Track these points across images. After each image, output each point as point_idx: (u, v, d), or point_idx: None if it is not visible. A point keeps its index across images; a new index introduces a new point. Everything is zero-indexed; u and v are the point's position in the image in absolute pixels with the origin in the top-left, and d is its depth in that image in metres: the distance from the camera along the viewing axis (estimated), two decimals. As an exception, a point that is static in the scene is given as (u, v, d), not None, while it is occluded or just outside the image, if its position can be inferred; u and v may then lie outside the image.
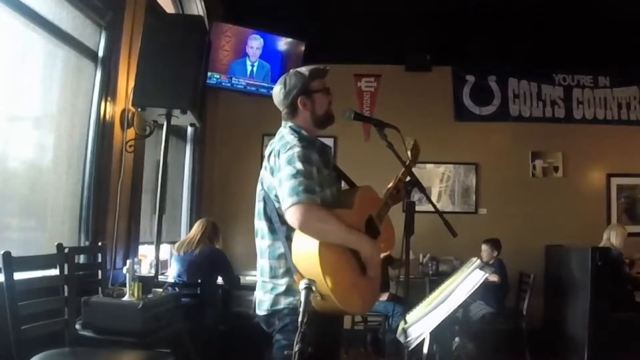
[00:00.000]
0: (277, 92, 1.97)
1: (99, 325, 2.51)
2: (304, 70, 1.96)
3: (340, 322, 1.95)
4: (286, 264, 1.80)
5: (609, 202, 5.75)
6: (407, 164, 2.10)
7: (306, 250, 1.72)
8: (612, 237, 4.78)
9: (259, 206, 1.90)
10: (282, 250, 1.81)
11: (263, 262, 1.88)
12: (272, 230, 1.84)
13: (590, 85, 5.84)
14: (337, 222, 1.76)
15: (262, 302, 1.87)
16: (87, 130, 3.43)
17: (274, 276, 1.83)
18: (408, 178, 2.07)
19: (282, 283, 1.81)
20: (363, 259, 1.81)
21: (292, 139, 1.85)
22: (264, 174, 1.88)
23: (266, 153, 1.91)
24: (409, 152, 2.16)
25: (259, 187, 1.91)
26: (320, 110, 1.95)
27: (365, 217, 1.90)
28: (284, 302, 1.81)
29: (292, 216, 1.69)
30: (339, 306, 1.68)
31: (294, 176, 1.72)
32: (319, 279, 1.65)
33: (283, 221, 1.78)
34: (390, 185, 2.08)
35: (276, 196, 1.79)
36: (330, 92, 2.00)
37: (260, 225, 1.89)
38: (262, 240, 1.88)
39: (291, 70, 2.00)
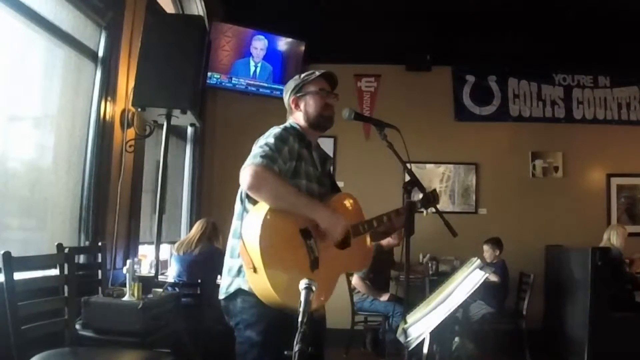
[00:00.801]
0: (283, 92, 2.08)
1: (99, 325, 2.51)
2: (305, 74, 2.04)
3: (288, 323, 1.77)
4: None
5: (609, 202, 5.74)
6: (411, 177, 2.04)
7: (254, 218, 1.69)
8: (613, 237, 4.78)
9: (237, 208, 1.91)
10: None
11: (228, 243, 1.88)
12: (241, 210, 1.84)
13: (590, 85, 5.84)
14: (289, 185, 1.74)
15: (221, 287, 1.85)
16: (87, 130, 3.43)
17: (232, 256, 1.83)
18: (407, 178, 2.06)
19: (236, 263, 1.79)
20: (322, 229, 1.77)
21: (279, 127, 1.92)
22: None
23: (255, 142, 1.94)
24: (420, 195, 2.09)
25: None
26: (312, 112, 1.98)
27: None
28: (235, 284, 1.78)
29: (244, 176, 1.69)
30: (268, 285, 1.61)
31: (261, 147, 1.77)
32: (255, 247, 1.62)
33: (249, 200, 1.79)
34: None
35: None
36: (332, 95, 2.02)
37: (236, 207, 1.90)
38: (235, 222, 1.88)
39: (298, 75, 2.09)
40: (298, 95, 2.00)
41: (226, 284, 1.83)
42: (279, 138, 1.81)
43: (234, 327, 1.83)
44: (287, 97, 2.03)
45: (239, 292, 1.77)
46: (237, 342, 1.83)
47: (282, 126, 1.93)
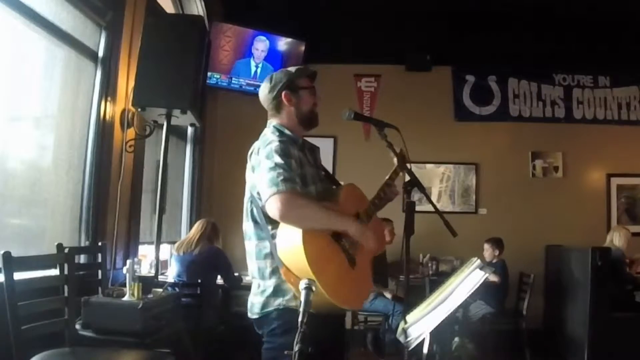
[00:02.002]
0: (263, 88, 1.99)
1: (99, 325, 2.51)
2: (291, 68, 2.00)
3: (338, 320, 1.91)
4: (272, 263, 1.78)
5: (609, 202, 5.74)
6: (394, 169, 2.10)
7: (290, 242, 1.69)
8: (615, 239, 4.78)
9: (245, 208, 1.90)
10: (268, 249, 1.80)
11: (252, 264, 1.87)
12: (258, 230, 1.83)
13: (590, 85, 5.84)
14: (318, 205, 1.76)
15: (253, 304, 1.86)
16: (87, 130, 3.43)
17: (262, 277, 1.82)
18: (407, 178, 2.06)
19: (270, 284, 1.80)
20: (352, 237, 1.80)
21: (271, 135, 1.88)
22: (248, 173, 1.89)
23: (249, 154, 1.91)
24: (394, 159, 2.14)
25: (246, 189, 1.91)
26: (305, 107, 1.96)
27: (351, 214, 1.90)
28: (273, 304, 1.79)
29: (273, 206, 1.68)
30: (328, 297, 1.63)
31: (273, 169, 1.72)
32: (305, 269, 1.63)
33: (268, 220, 1.77)
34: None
35: (259, 194, 1.78)
36: (318, 95, 2.01)
37: (247, 226, 1.89)
38: (249, 242, 1.88)
39: (280, 69, 2.05)
40: (291, 89, 1.94)
41: (259, 302, 1.82)
42: (284, 153, 1.77)
43: (267, 334, 1.82)
44: (274, 91, 1.94)
45: (282, 310, 1.78)
46: (267, 348, 1.82)
47: (276, 135, 1.88)
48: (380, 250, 2.12)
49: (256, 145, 1.89)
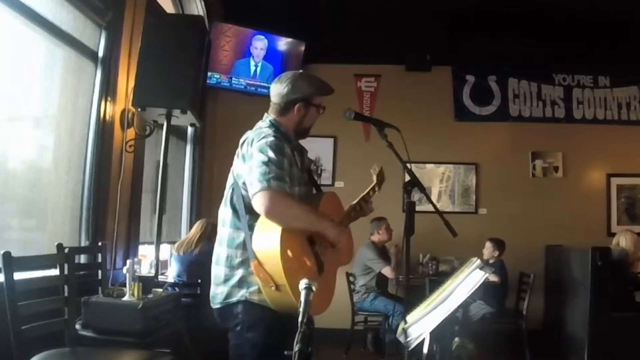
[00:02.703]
0: (279, 86, 1.96)
1: (99, 325, 2.51)
2: (317, 81, 1.98)
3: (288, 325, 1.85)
4: (243, 254, 1.79)
5: (609, 202, 5.74)
6: (372, 186, 2.15)
7: (268, 238, 1.70)
8: (622, 241, 4.78)
9: (226, 194, 1.91)
10: (241, 239, 1.80)
11: (220, 250, 1.87)
12: (236, 218, 1.84)
13: (590, 85, 5.84)
14: (303, 206, 1.78)
15: (215, 294, 1.86)
16: (87, 130, 3.43)
17: (229, 266, 1.82)
18: (407, 178, 2.06)
19: (236, 274, 1.80)
20: (327, 240, 1.83)
21: (267, 130, 1.88)
22: (236, 162, 1.89)
23: (240, 141, 1.91)
24: (374, 177, 2.18)
25: (230, 175, 1.92)
26: (307, 124, 1.99)
27: None
28: (237, 295, 1.80)
29: (259, 201, 1.68)
30: (292, 298, 1.63)
31: (265, 164, 1.72)
32: (277, 267, 1.65)
33: (247, 210, 1.78)
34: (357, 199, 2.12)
35: (244, 184, 1.78)
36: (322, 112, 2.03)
37: (224, 213, 1.89)
38: (223, 228, 1.88)
39: (304, 73, 2.02)
40: (306, 104, 1.94)
41: (222, 292, 1.83)
42: (278, 150, 1.77)
43: (231, 329, 1.84)
44: (292, 95, 1.92)
45: (243, 302, 1.79)
46: (233, 344, 1.83)
47: (272, 130, 1.87)
48: (346, 263, 2.13)
49: (250, 135, 1.88)
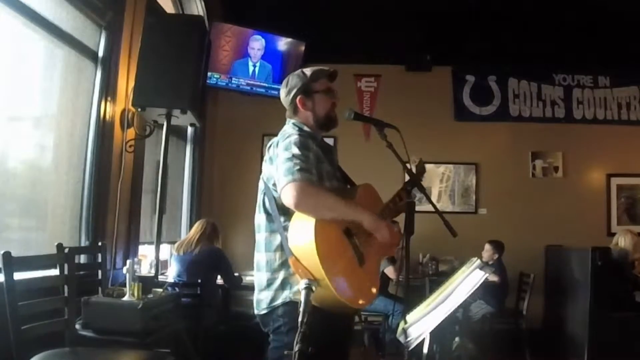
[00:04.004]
0: (281, 91, 2.01)
1: (99, 325, 2.51)
2: (308, 70, 1.98)
3: (346, 319, 1.89)
4: (282, 255, 1.78)
5: (609, 202, 5.74)
6: (411, 177, 2.09)
7: (302, 232, 1.69)
8: (621, 241, 4.78)
9: (259, 200, 1.90)
10: (278, 241, 1.79)
11: (259, 257, 1.86)
12: (270, 221, 1.83)
13: (590, 85, 5.84)
14: (332, 195, 1.75)
15: (259, 300, 1.85)
16: (87, 130, 3.43)
17: (271, 269, 1.82)
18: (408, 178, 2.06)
19: (278, 276, 1.80)
20: (366, 230, 1.79)
21: (291, 130, 1.89)
22: (264, 165, 1.89)
23: (267, 146, 1.92)
24: (414, 168, 2.14)
25: (260, 182, 1.91)
26: (321, 111, 1.96)
27: None
28: (280, 297, 1.79)
29: (288, 194, 1.68)
30: (334, 292, 1.63)
31: (290, 159, 1.73)
32: (314, 261, 1.63)
33: (281, 212, 1.78)
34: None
35: (274, 185, 1.78)
36: (336, 94, 1.99)
37: (259, 218, 1.89)
38: (259, 234, 1.88)
39: (296, 71, 2.02)
40: (306, 94, 1.94)
41: (267, 297, 1.82)
42: (303, 146, 1.77)
43: (272, 332, 1.83)
44: (290, 95, 1.95)
45: (288, 304, 1.78)
46: (273, 347, 1.82)
47: (296, 130, 1.88)
48: (392, 253, 2.11)
49: (275, 139, 1.89)
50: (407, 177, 2.07)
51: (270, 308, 1.81)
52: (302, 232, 1.70)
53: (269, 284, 1.82)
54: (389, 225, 1.82)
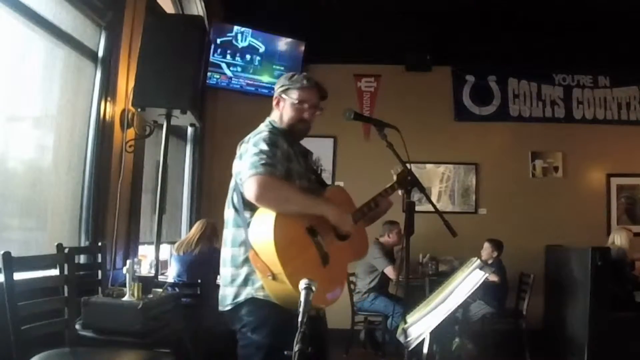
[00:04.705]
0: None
1: (99, 325, 2.50)
2: (297, 76, 1.98)
3: (314, 319, 1.77)
4: (246, 251, 1.77)
5: (609, 202, 5.74)
6: (391, 185, 2.08)
7: (262, 226, 1.70)
8: (617, 240, 4.78)
9: (228, 196, 1.91)
10: (243, 237, 1.79)
11: (225, 252, 1.86)
12: (237, 217, 1.84)
13: (590, 85, 5.84)
14: (294, 188, 1.77)
15: (224, 296, 1.84)
16: (87, 130, 3.43)
17: (234, 265, 1.82)
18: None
19: (241, 272, 1.79)
20: (331, 222, 1.79)
21: (263, 127, 1.92)
22: (235, 162, 1.90)
23: (239, 143, 1.93)
24: (394, 177, 2.13)
25: (232, 178, 1.92)
26: (285, 117, 1.96)
27: None
28: (244, 293, 1.79)
29: (249, 187, 1.69)
30: (290, 287, 1.61)
31: (257, 154, 1.75)
32: (272, 255, 1.63)
33: (247, 207, 1.78)
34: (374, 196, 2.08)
35: (241, 179, 1.78)
36: (312, 110, 1.95)
37: (227, 214, 1.90)
38: (227, 229, 1.88)
39: (295, 72, 2.06)
40: (282, 96, 1.97)
41: (231, 293, 1.82)
42: (271, 142, 1.79)
43: (238, 331, 1.83)
44: (275, 91, 2.01)
45: (250, 300, 1.78)
46: (241, 345, 1.82)
47: (267, 128, 1.91)
48: (360, 257, 2.10)
49: (248, 136, 1.91)
50: (407, 177, 2.06)
51: (234, 304, 1.81)
52: (261, 226, 1.70)
53: (233, 279, 1.82)
54: (352, 222, 1.85)
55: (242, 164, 1.79)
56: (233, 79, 5.27)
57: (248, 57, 5.32)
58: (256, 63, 5.35)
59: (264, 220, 1.70)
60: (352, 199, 2.09)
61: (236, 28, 5.28)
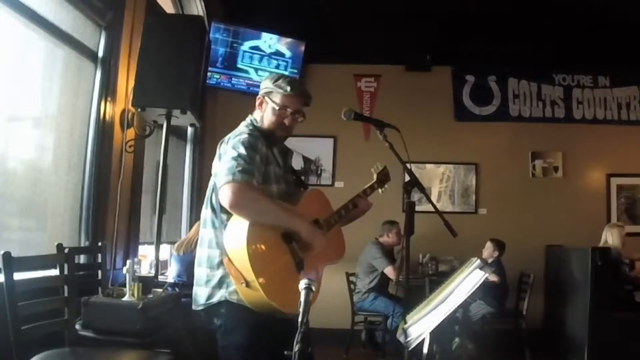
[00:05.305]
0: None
1: (99, 326, 2.51)
2: (284, 79, 1.94)
3: (280, 322, 1.73)
4: (222, 253, 1.77)
5: (609, 202, 5.74)
6: (370, 184, 2.12)
7: (236, 234, 1.70)
8: (609, 238, 4.78)
9: (207, 195, 1.91)
10: (220, 239, 1.79)
11: (201, 252, 1.86)
12: (214, 218, 1.83)
13: (590, 85, 5.84)
14: (270, 201, 1.76)
15: (197, 295, 1.85)
16: (87, 130, 3.43)
17: (210, 266, 1.81)
18: (407, 178, 2.06)
19: (217, 274, 1.79)
20: (303, 238, 1.79)
21: (243, 128, 1.91)
22: (214, 162, 1.89)
23: (220, 142, 1.92)
24: (375, 176, 2.16)
25: (211, 178, 1.92)
26: (266, 120, 1.95)
27: (310, 219, 1.89)
28: (217, 295, 1.79)
29: (224, 194, 1.69)
30: (263, 295, 1.62)
31: (235, 159, 1.73)
32: (245, 263, 1.63)
33: (224, 209, 1.77)
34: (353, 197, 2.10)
35: (217, 182, 1.78)
36: (293, 117, 1.94)
37: (205, 214, 1.89)
38: (204, 229, 1.88)
39: (281, 74, 2.04)
40: (265, 98, 1.95)
41: (204, 294, 1.82)
42: (250, 146, 1.78)
43: (217, 331, 1.83)
44: (259, 91, 1.98)
45: (224, 302, 1.78)
46: (220, 346, 1.82)
47: (247, 129, 1.89)
48: (335, 261, 2.08)
49: (227, 136, 1.90)
50: (407, 177, 2.06)
51: (206, 305, 1.81)
52: (235, 233, 1.70)
53: (207, 280, 1.82)
54: (325, 240, 1.84)
55: (220, 166, 1.78)
56: (233, 78, 5.27)
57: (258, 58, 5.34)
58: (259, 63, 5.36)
59: (239, 227, 1.70)
60: (330, 203, 2.08)
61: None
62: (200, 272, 1.85)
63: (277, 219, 1.76)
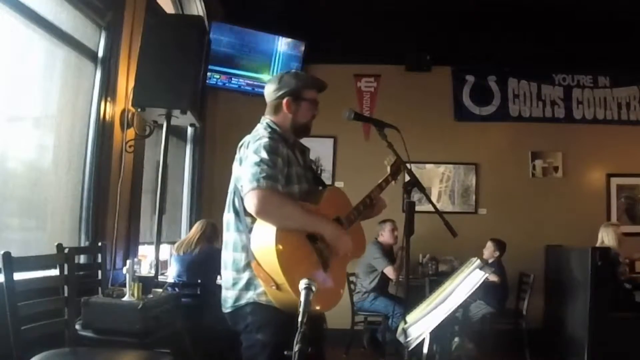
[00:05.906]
0: (270, 84, 2.01)
1: (99, 326, 2.51)
2: (303, 75, 2.00)
3: (313, 321, 1.84)
4: (247, 256, 1.79)
5: (609, 202, 5.74)
6: (385, 177, 2.12)
7: (263, 238, 1.71)
8: (606, 238, 4.77)
9: (228, 199, 1.91)
10: (245, 242, 1.80)
11: (227, 255, 1.87)
12: (238, 221, 1.84)
13: (590, 85, 5.84)
14: (294, 205, 1.77)
15: (225, 298, 1.86)
16: (87, 130, 3.43)
17: (236, 269, 1.83)
18: (407, 178, 2.06)
19: (243, 277, 1.81)
20: (328, 241, 1.81)
21: (263, 131, 1.90)
22: (234, 166, 1.90)
23: (238, 146, 1.92)
24: (388, 168, 2.16)
25: (231, 180, 1.92)
26: (302, 119, 1.97)
27: (330, 217, 1.91)
28: (245, 297, 1.80)
29: (250, 201, 1.70)
30: (294, 296, 1.63)
31: (257, 164, 1.74)
32: (275, 267, 1.65)
33: (248, 213, 1.78)
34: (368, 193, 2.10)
35: (242, 186, 1.79)
36: (317, 108, 2.01)
37: (228, 217, 1.90)
38: (228, 233, 1.89)
39: (293, 71, 2.04)
40: (295, 98, 1.95)
41: (232, 296, 1.83)
42: (272, 150, 1.79)
43: (242, 331, 1.84)
44: (279, 93, 1.95)
45: (252, 304, 1.79)
46: (246, 345, 1.83)
47: (267, 132, 1.89)
48: (357, 256, 2.11)
49: (247, 138, 1.90)
50: (407, 177, 2.06)
51: (234, 307, 1.83)
52: (263, 237, 1.72)
53: (234, 283, 1.83)
54: (349, 239, 1.86)
55: (243, 171, 1.78)
56: (233, 78, 5.27)
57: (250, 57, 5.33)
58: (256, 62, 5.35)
59: (266, 231, 1.71)
60: (350, 200, 2.08)
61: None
62: (227, 275, 1.86)
63: (303, 224, 1.79)
